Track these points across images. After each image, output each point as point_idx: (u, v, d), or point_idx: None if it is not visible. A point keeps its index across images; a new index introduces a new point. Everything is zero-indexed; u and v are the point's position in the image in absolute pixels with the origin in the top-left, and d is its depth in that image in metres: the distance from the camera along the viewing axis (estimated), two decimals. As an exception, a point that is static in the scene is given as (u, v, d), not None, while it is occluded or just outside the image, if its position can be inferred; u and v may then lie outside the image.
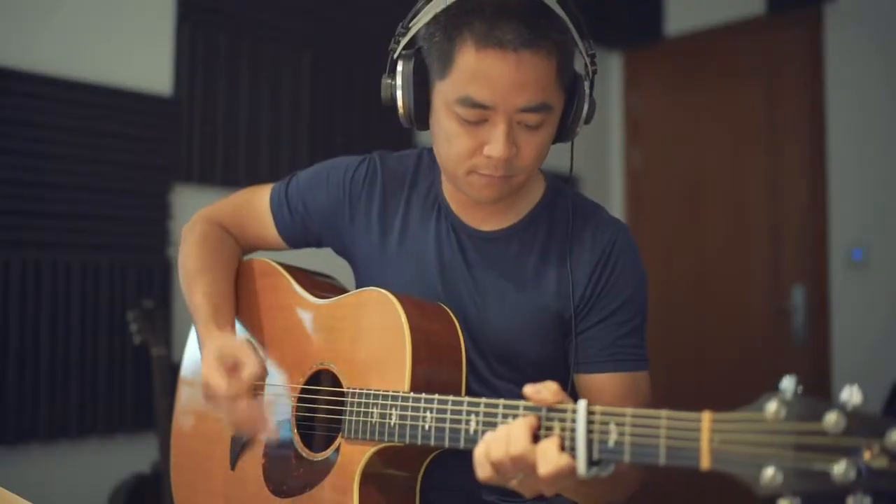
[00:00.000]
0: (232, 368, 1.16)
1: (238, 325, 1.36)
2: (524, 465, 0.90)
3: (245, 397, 1.15)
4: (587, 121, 1.19)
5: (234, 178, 2.78)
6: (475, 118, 1.09)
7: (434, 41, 1.11)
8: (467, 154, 1.11)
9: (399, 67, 1.15)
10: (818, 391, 3.34)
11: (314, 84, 3.03)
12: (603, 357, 1.19)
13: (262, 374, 1.18)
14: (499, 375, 1.24)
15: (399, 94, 1.15)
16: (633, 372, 1.19)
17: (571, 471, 0.88)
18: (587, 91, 1.17)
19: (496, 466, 0.92)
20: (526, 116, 1.09)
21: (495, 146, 1.08)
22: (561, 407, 0.91)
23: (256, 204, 1.42)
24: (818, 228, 3.54)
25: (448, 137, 1.12)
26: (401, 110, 1.17)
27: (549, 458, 0.88)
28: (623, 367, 1.19)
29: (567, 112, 1.16)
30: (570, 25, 1.11)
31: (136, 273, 2.58)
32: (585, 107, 1.17)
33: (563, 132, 1.18)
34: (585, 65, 1.18)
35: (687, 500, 3.35)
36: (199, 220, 1.44)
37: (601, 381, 1.19)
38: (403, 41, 1.17)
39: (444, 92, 1.11)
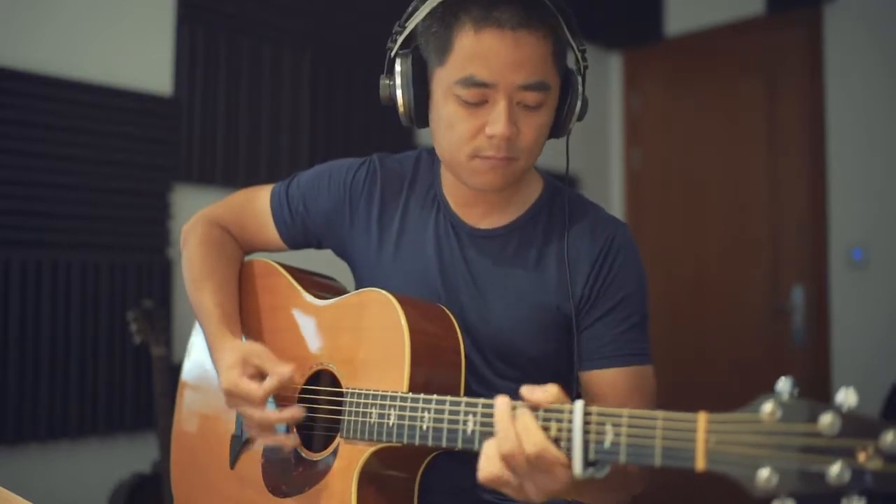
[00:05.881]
0: (254, 376, 1.16)
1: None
2: (543, 462, 0.88)
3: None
4: (580, 117, 1.21)
5: (234, 178, 2.78)
6: (476, 99, 1.10)
7: (431, 33, 1.14)
8: (469, 136, 1.13)
9: (397, 66, 1.17)
10: (818, 391, 3.34)
11: (314, 84, 3.03)
12: (606, 353, 1.19)
13: (291, 376, 1.15)
14: (499, 373, 1.24)
15: (399, 92, 1.17)
16: (637, 366, 1.19)
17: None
18: (580, 87, 1.18)
19: (508, 461, 0.90)
20: (525, 95, 1.10)
21: (497, 124, 1.10)
22: (557, 407, 0.90)
23: (257, 204, 1.43)
24: (818, 228, 3.54)
25: (449, 123, 1.14)
26: (401, 108, 1.18)
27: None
28: (627, 362, 1.19)
29: (560, 107, 1.18)
30: (561, 20, 1.14)
31: (136, 273, 2.58)
32: (578, 103, 1.19)
33: (557, 127, 1.20)
34: (577, 60, 1.19)
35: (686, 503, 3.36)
36: (199, 220, 1.45)
37: (606, 377, 1.19)
38: (400, 39, 1.19)
39: (444, 78, 1.13)
